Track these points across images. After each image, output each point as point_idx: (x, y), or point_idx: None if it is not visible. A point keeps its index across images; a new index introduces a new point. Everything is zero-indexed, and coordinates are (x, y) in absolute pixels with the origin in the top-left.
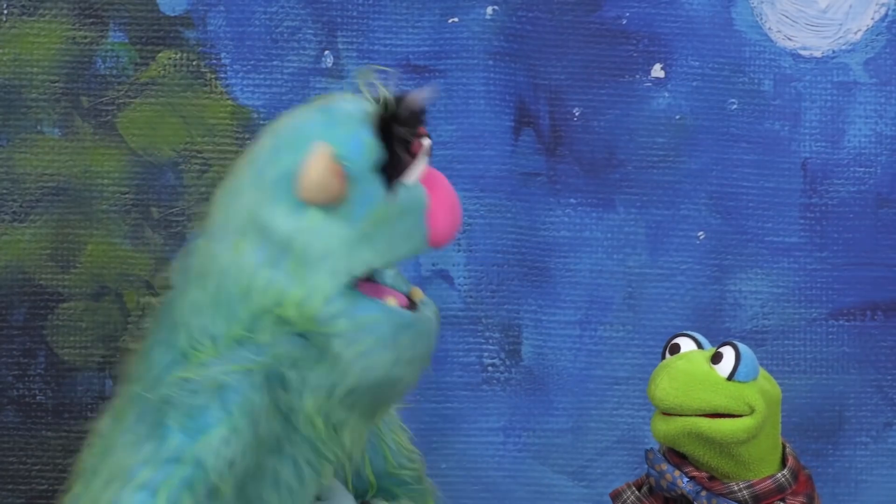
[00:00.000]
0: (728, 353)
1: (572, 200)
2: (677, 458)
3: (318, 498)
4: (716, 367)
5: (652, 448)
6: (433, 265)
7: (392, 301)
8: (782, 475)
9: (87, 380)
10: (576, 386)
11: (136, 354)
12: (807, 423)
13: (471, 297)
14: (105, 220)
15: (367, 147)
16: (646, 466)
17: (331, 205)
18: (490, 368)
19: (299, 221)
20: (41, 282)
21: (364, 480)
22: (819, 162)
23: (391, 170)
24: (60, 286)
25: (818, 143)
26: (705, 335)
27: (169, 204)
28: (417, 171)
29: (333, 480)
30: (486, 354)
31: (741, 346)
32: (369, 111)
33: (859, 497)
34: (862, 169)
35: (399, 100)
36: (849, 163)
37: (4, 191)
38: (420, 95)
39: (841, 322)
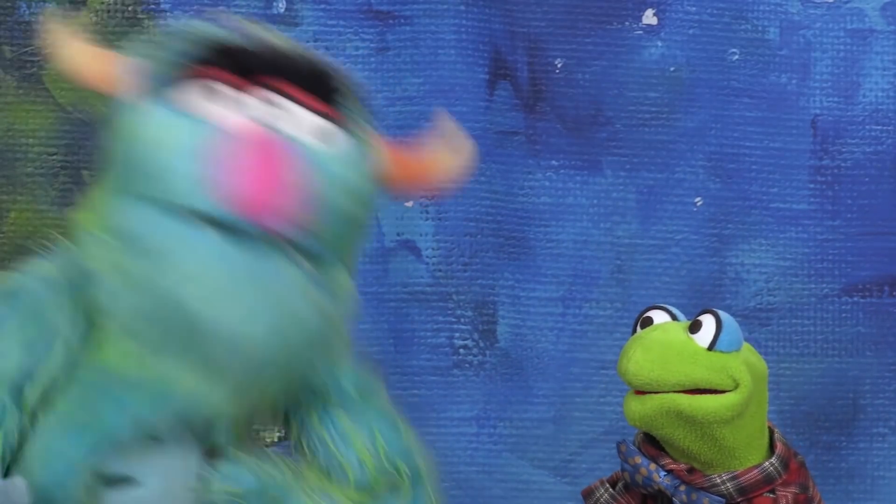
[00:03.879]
0: (708, 322)
1: (554, 163)
2: (654, 450)
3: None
4: (694, 336)
5: (624, 440)
6: (398, 235)
7: None
8: (770, 464)
9: None
10: (558, 370)
11: None
12: (817, 412)
13: (440, 270)
14: (30, 184)
15: (171, 53)
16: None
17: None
18: (462, 351)
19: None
20: None
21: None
22: (831, 119)
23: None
24: None
25: (830, 99)
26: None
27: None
28: (187, 94)
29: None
30: (457, 335)
31: (722, 313)
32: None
33: (876, 495)
34: (879, 127)
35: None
36: (864, 120)
37: None
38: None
39: (856, 298)
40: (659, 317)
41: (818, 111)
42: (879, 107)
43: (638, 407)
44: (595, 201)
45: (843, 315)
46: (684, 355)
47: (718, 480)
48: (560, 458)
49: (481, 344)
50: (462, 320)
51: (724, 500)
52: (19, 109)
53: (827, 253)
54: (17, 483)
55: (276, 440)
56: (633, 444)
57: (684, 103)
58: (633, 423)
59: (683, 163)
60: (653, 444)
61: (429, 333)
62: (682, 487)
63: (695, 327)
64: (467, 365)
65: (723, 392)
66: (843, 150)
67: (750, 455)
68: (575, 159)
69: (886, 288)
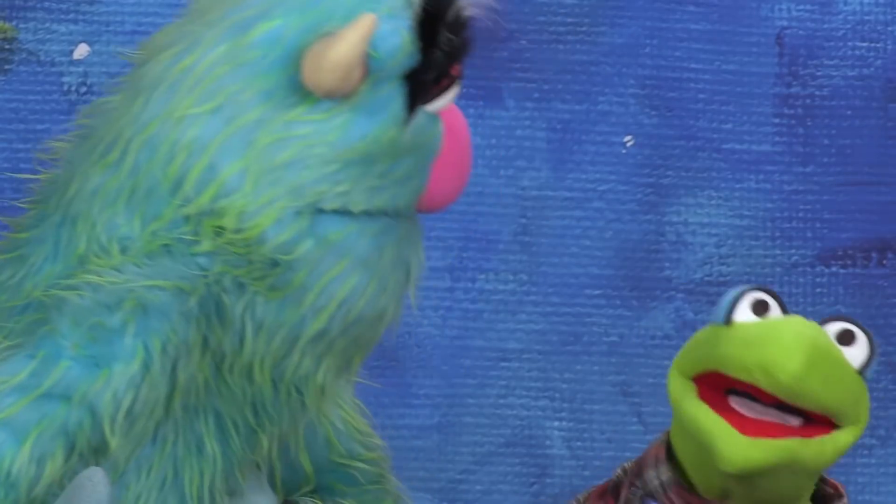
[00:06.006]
0: (860, 338)
1: None
2: (688, 494)
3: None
4: (845, 350)
5: (643, 476)
6: None
7: None
8: None
9: None
10: (445, 363)
11: None
12: None
13: None
14: None
15: (404, 44)
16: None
17: (336, 100)
18: None
19: (279, 109)
20: None
21: (297, 471)
22: (802, 34)
23: (418, 86)
24: None
25: (801, 7)
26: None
27: None
28: (445, 101)
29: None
30: None
31: (866, 329)
32: (414, 1)
33: None
34: (865, 44)
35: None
36: (845, 35)
37: None
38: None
39: (834, 269)
40: (773, 304)
41: (785, 23)
42: (865, 17)
43: (753, 454)
44: (493, 141)
45: (818, 290)
46: (845, 375)
47: None
48: (447, 477)
49: None
50: None
51: None
52: None
53: (797, 209)
54: (96, 476)
55: None
56: (654, 484)
57: (610, 13)
58: (738, 471)
59: (609, 90)
60: (685, 488)
61: None
62: None
63: (845, 339)
64: None
65: (833, 428)
66: (819, 73)
67: (803, 499)
68: (467, 86)
69: (874, 255)
